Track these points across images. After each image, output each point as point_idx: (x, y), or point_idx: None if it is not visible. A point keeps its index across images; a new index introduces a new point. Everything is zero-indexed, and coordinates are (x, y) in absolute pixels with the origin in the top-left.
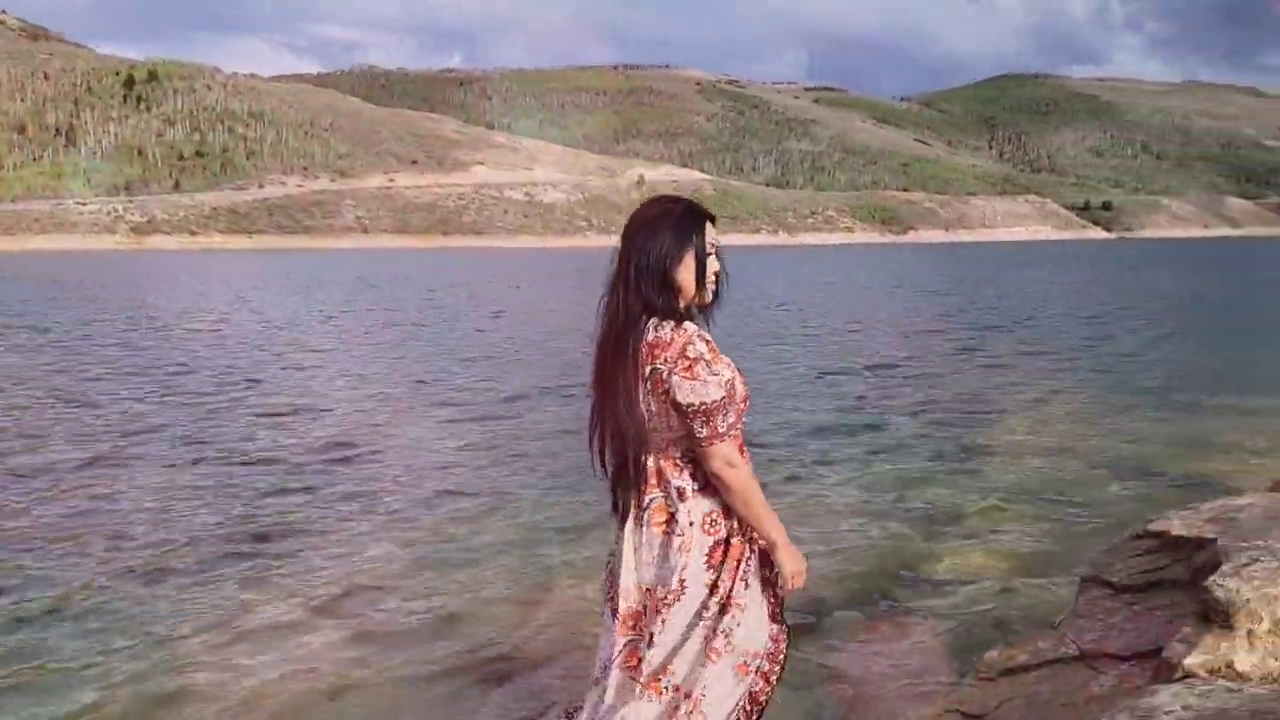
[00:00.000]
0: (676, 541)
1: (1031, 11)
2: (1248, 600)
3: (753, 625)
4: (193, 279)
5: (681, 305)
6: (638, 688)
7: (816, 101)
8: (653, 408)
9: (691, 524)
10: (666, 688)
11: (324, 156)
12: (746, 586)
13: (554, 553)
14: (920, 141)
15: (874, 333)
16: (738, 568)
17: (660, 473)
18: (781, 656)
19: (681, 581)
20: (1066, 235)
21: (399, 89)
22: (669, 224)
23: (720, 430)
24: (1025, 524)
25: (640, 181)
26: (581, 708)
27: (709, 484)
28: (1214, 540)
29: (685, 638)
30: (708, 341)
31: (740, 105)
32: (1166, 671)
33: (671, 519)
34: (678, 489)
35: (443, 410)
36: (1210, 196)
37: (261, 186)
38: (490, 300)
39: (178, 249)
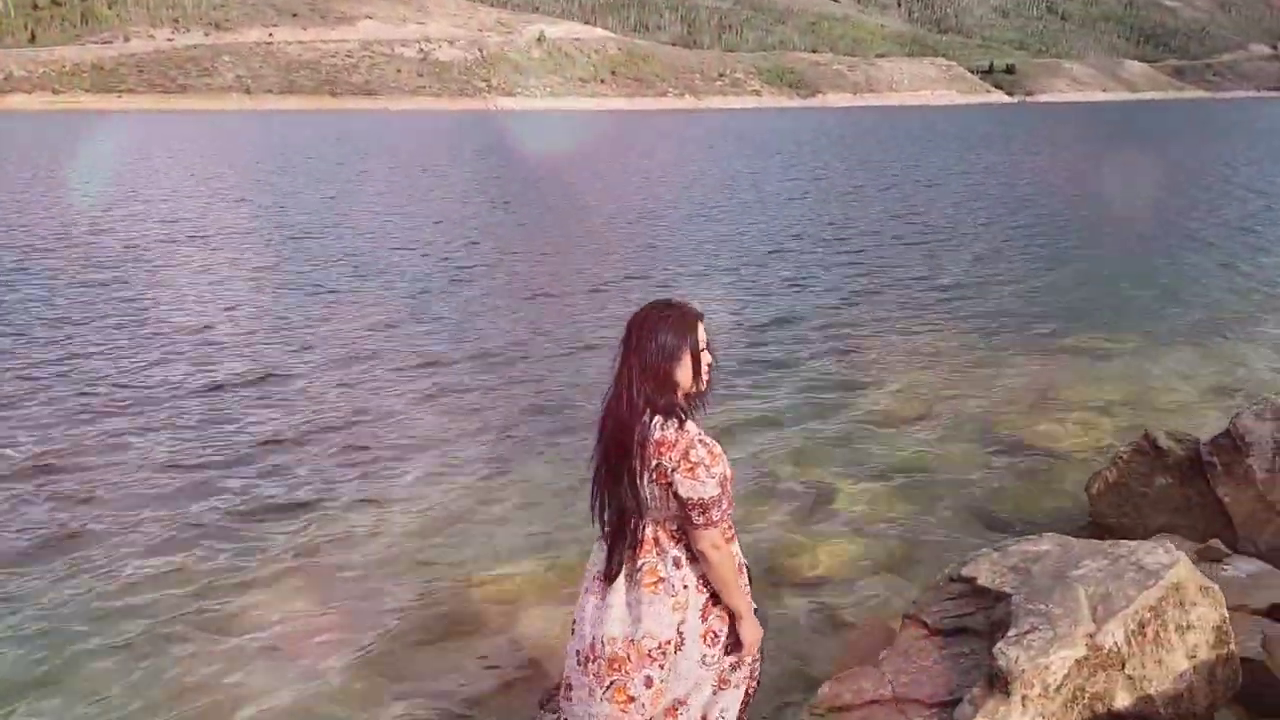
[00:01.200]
0: (670, 601)
1: None
2: (1024, 670)
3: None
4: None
5: (680, 398)
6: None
7: None
8: (655, 493)
9: (686, 586)
10: (683, 715)
11: (195, 7)
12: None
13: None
14: None
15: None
16: (731, 615)
17: (657, 541)
18: (760, 659)
19: (680, 634)
20: (971, 100)
21: None
22: (667, 327)
23: (714, 519)
24: (884, 507)
25: (541, 38)
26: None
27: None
28: (1010, 596)
29: (698, 681)
30: (707, 445)
31: None
32: None
33: (661, 581)
34: (674, 557)
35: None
36: (1110, 60)
37: (127, 40)
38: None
39: (42, 109)
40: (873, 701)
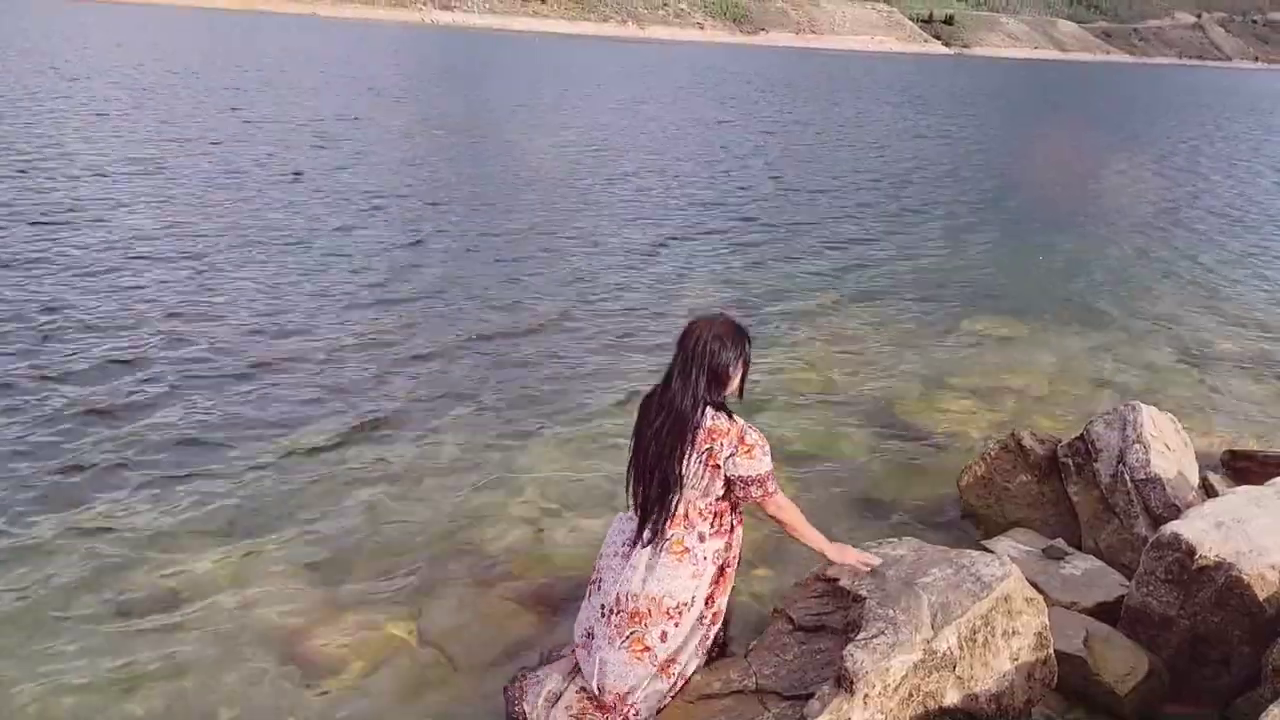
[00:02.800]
0: (691, 569)
1: None
2: (867, 672)
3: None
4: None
5: (724, 396)
6: (654, 669)
7: None
8: (700, 473)
9: (705, 558)
10: (675, 673)
11: None
12: (726, 596)
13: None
14: None
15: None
16: (728, 584)
17: (687, 515)
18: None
19: (693, 597)
20: (910, 49)
21: None
22: (727, 338)
23: (770, 490)
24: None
25: None
26: (560, 658)
27: (721, 527)
28: (865, 599)
29: (689, 637)
30: (756, 430)
31: None
32: None
33: (686, 551)
34: (699, 533)
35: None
36: (1044, 18)
37: None
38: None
39: None
40: (737, 691)
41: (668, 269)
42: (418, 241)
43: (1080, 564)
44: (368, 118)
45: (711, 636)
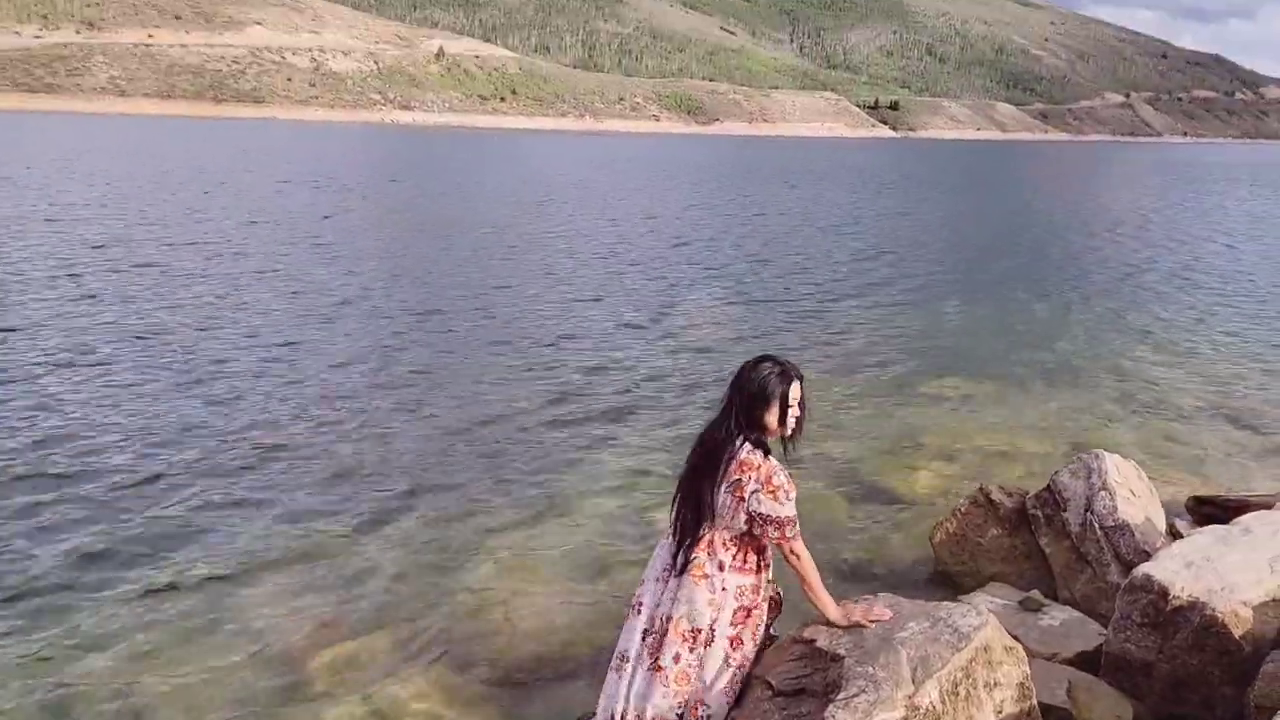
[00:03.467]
0: (707, 595)
1: None
2: None
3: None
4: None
5: (767, 436)
6: (671, 696)
7: None
8: (727, 503)
9: (725, 589)
10: (701, 715)
11: (67, 5)
12: (756, 645)
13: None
14: (726, 30)
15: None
16: (756, 630)
17: (711, 543)
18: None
19: (712, 630)
20: (859, 133)
21: None
22: (767, 377)
23: (789, 535)
24: None
25: (440, 54)
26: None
27: (746, 564)
28: (843, 658)
29: (716, 677)
30: (788, 475)
31: None
32: None
33: (705, 577)
34: (720, 561)
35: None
36: (984, 101)
37: None
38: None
39: None
40: None
41: (640, 351)
42: (397, 333)
43: (1058, 615)
44: (340, 212)
45: (740, 681)
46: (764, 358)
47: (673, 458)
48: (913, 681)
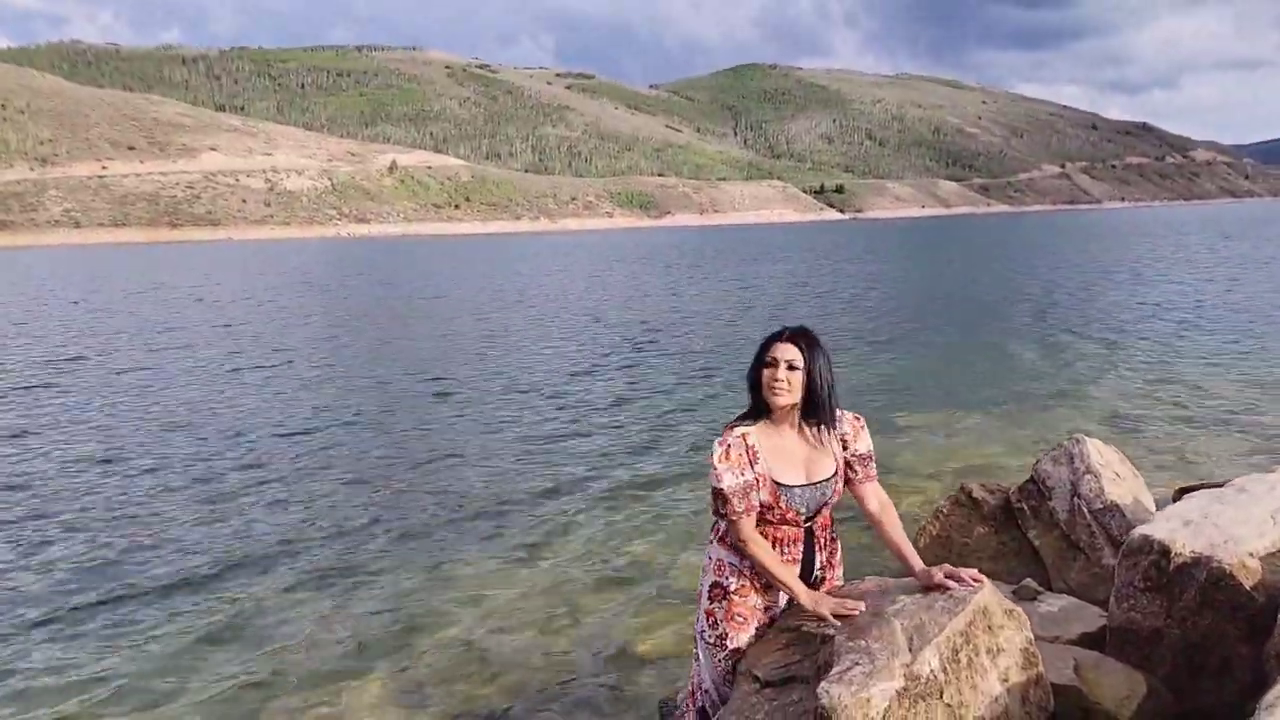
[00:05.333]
0: (704, 561)
1: (765, 1)
2: (846, 705)
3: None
4: None
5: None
6: (694, 658)
7: (569, 88)
8: None
9: (710, 557)
10: (700, 699)
11: (20, 143)
12: (738, 631)
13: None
14: (671, 128)
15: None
16: (735, 617)
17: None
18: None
19: (700, 589)
20: (808, 217)
21: (110, 68)
22: (764, 341)
23: (720, 511)
24: None
25: (393, 167)
26: None
27: (717, 536)
28: (832, 638)
29: (703, 655)
30: (730, 448)
31: (493, 90)
32: None
33: (710, 543)
34: (708, 537)
35: None
36: (926, 180)
37: None
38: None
39: None
40: None
41: (604, 436)
42: (367, 399)
43: (1055, 602)
44: (299, 320)
45: (723, 665)
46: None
47: (638, 503)
48: (909, 650)
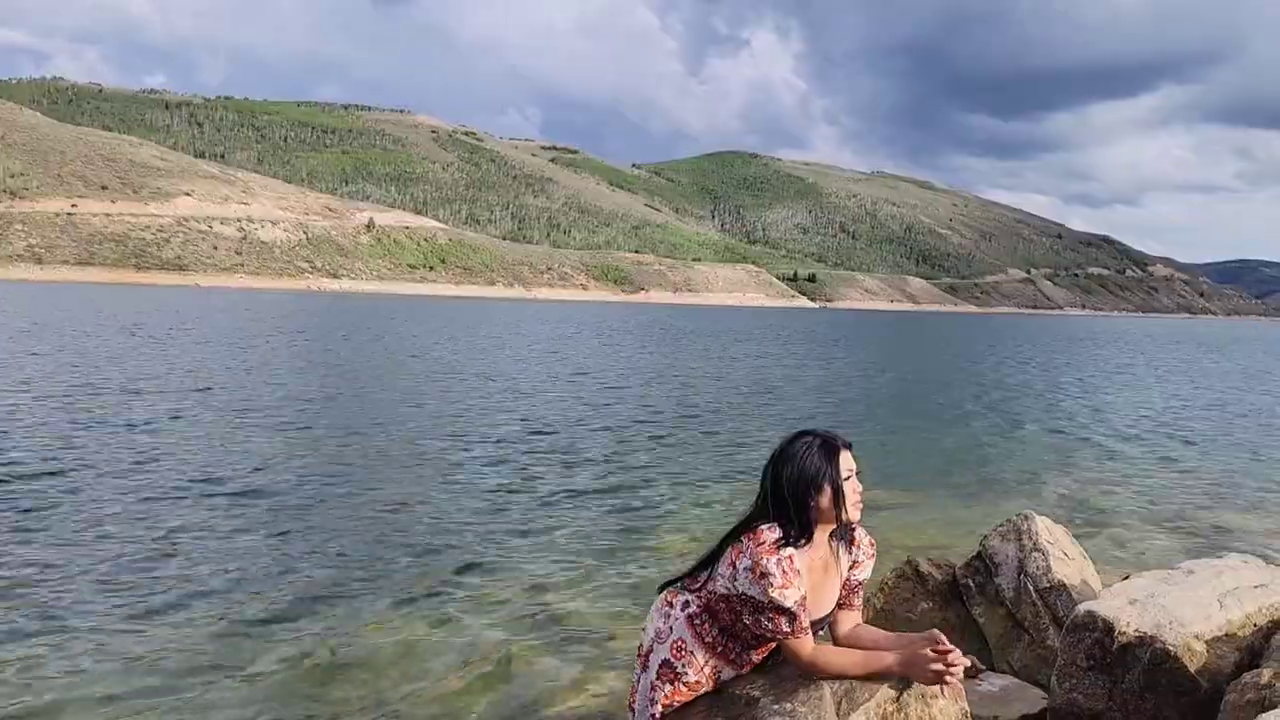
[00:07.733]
0: (658, 623)
1: (750, 96)
2: None
3: None
4: None
5: (818, 526)
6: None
7: (553, 161)
8: (728, 558)
9: (670, 630)
10: None
11: None
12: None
13: None
14: (651, 207)
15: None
16: (674, 703)
17: (701, 590)
18: None
19: (647, 658)
20: (779, 303)
21: (90, 106)
22: (811, 459)
23: (782, 629)
24: None
25: (370, 225)
26: None
27: (704, 629)
28: (758, 699)
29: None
30: (788, 567)
31: (477, 157)
32: None
33: (670, 605)
34: (686, 601)
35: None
36: (896, 276)
37: None
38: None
39: None
40: None
41: (555, 491)
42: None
43: (997, 681)
44: (264, 374)
45: None
46: (802, 432)
47: (582, 559)
48: (836, 715)
